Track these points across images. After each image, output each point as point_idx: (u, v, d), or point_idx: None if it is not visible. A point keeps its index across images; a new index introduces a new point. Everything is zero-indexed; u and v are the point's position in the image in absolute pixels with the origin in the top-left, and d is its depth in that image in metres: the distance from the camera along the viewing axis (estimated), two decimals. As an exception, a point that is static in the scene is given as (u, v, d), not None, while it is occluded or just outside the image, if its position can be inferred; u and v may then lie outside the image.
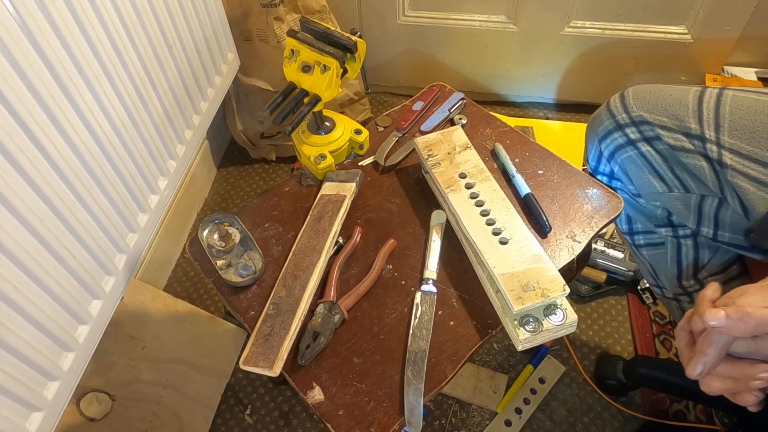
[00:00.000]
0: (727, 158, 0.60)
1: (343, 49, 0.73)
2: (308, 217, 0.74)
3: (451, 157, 0.75)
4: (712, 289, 0.49)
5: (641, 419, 1.02)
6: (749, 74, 1.39)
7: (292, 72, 0.76)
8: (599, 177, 0.78)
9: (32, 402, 0.66)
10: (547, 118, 1.58)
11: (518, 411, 1.04)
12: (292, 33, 0.75)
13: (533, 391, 1.06)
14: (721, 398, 0.48)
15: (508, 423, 1.03)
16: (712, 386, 0.47)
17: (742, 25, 1.28)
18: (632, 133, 0.69)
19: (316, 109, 0.77)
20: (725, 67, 1.40)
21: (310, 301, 0.66)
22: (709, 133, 0.62)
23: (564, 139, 1.39)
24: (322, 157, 0.79)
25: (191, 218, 1.39)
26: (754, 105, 0.60)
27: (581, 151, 0.81)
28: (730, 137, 0.60)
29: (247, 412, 1.07)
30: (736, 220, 0.64)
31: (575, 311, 0.64)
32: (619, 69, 1.44)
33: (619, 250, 1.16)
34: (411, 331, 0.64)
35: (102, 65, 0.77)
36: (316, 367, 0.62)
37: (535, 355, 1.11)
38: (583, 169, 0.79)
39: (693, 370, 0.46)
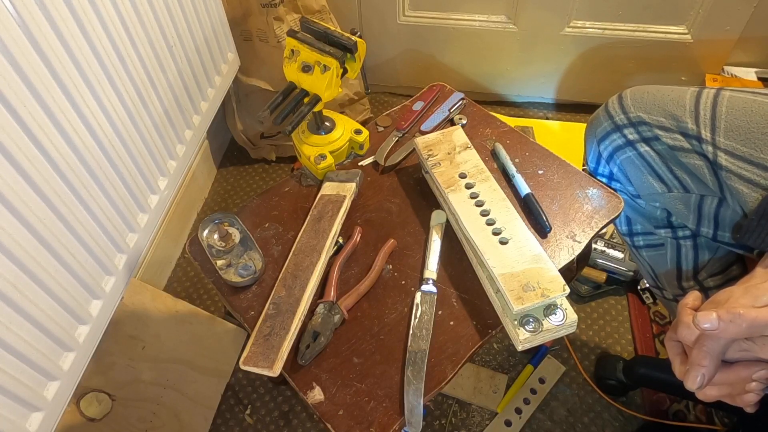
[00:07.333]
0: (722, 159, 0.60)
1: (343, 49, 0.73)
2: (308, 217, 0.74)
3: (451, 157, 0.75)
4: (692, 297, 0.49)
5: (641, 419, 1.02)
6: (749, 74, 1.39)
7: (292, 72, 0.76)
8: (599, 178, 0.78)
9: (32, 402, 0.66)
10: (547, 118, 1.58)
11: (518, 411, 1.04)
12: (292, 33, 0.75)
13: (533, 391, 1.06)
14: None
15: (508, 423, 1.03)
16: (708, 394, 0.47)
17: (742, 25, 1.28)
18: (630, 134, 0.69)
19: (316, 109, 0.77)
20: (725, 67, 1.40)
21: (310, 301, 0.66)
22: (706, 134, 0.61)
23: (564, 139, 1.39)
24: (322, 157, 0.79)
25: (191, 218, 1.39)
26: (750, 106, 0.59)
27: (581, 151, 0.81)
28: (725, 138, 0.60)
29: (247, 412, 1.07)
30: (736, 219, 0.64)
31: (575, 311, 0.64)
32: (619, 69, 1.44)
33: (619, 250, 1.16)
34: (411, 331, 0.64)
35: (102, 65, 0.77)
36: (316, 367, 0.62)
37: (535, 355, 1.11)
38: (583, 169, 0.79)
39: (692, 384, 0.46)
